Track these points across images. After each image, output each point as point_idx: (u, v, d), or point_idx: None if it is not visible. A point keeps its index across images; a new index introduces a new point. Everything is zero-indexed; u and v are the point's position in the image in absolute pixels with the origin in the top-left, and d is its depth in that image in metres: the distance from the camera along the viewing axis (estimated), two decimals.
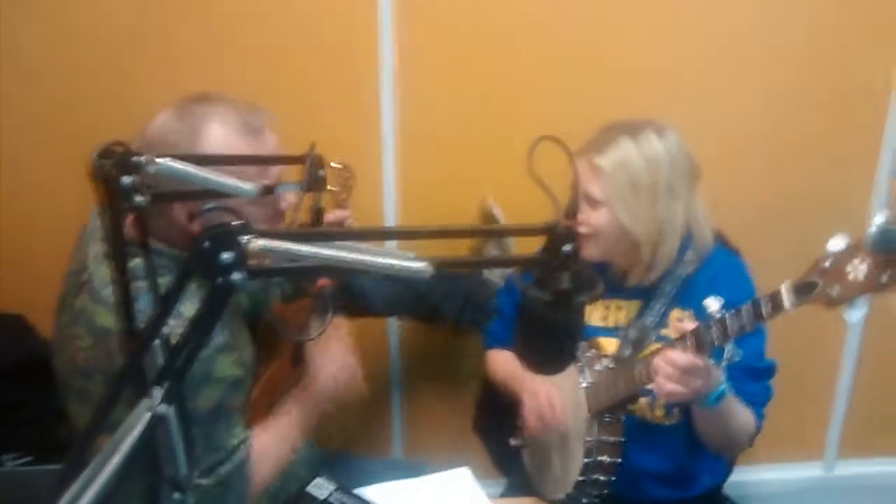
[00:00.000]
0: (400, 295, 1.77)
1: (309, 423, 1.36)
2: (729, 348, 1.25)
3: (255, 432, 1.28)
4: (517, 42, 1.92)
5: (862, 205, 2.11)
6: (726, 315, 1.22)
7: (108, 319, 1.13)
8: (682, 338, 1.29)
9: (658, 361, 1.27)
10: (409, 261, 0.77)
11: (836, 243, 1.07)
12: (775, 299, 1.16)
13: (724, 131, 1.96)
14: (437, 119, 1.95)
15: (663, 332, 1.47)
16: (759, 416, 1.45)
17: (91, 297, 1.15)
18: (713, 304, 1.23)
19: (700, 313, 1.28)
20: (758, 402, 1.44)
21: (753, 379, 1.44)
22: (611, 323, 1.54)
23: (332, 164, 1.35)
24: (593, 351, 1.51)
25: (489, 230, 1.26)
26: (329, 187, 1.32)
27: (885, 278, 1.02)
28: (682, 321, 1.43)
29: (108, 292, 1.14)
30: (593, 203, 1.44)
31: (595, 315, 1.56)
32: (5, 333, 1.89)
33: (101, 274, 1.16)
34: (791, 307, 1.13)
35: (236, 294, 1.44)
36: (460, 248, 1.82)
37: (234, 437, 1.21)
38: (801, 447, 2.31)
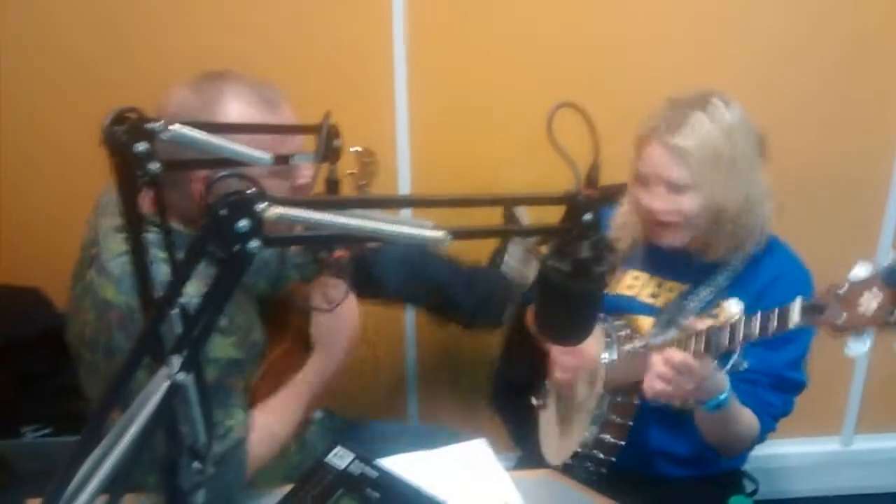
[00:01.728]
0: (416, 282, 1.74)
1: (315, 397, 1.36)
2: (736, 356, 1.21)
3: (257, 408, 1.28)
4: (532, 11, 1.89)
5: (881, 191, 2.09)
6: (739, 321, 1.18)
7: (110, 292, 1.13)
8: (693, 336, 1.26)
9: (655, 357, 1.25)
10: (426, 229, 0.76)
11: (858, 271, 1.03)
12: (783, 316, 1.12)
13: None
14: (451, 91, 1.93)
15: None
16: (768, 427, 1.40)
17: (97, 270, 1.16)
18: (733, 307, 1.20)
19: (749, 309, 1.23)
20: (771, 413, 1.39)
21: (777, 389, 1.39)
22: (660, 303, 1.50)
23: (352, 149, 1.32)
24: (629, 330, 1.48)
25: (507, 198, 1.23)
26: (348, 171, 1.30)
27: (894, 316, 0.97)
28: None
29: (114, 265, 1.14)
30: (677, 188, 1.35)
31: (644, 292, 1.52)
32: (22, 307, 1.90)
33: (109, 248, 1.16)
34: (798, 324, 1.10)
35: (255, 279, 1.45)
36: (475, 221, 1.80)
37: (231, 418, 1.20)
38: (819, 422, 2.31)
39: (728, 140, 1.34)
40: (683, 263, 1.47)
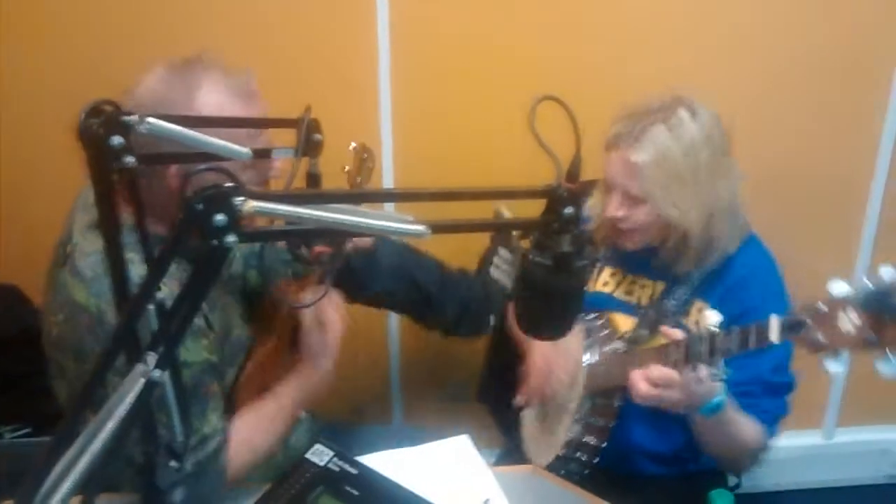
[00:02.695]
0: (401, 285, 1.70)
1: (299, 408, 1.35)
2: (717, 366, 1.20)
3: (239, 415, 1.27)
4: (515, 4, 1.88)
5: (863, 179, 2.08)
6: (718, 333, 1.18)
7: (82, 295, 1.11)
8: (671, 345, 1.25)
9: (634, 374, 1.24)
10: (406, 223, 0.75)
11: (837, 288, 1.03)
12: (761, 332, 1.12)
13: (720, 100, 1.93)
14: (434, 85, 1.92)
15: (683, 320, 1.43)
16: (770, 433, 1.39)
17: (70, 270, 1.13)
18: (712, 317, 1.20)
19: (721, 309, 1.24)
20: (770, 419, 1.39)
21: (770, 394, 1.39)
22: (633, 299, 1.51)
23: (351, 146, 1.32)
24: (609, 329, 1.48)
25: (490, 192, 1.22)
26: (346, 168, 1.30)
27: (871, 337, 0.97)
28: (700, 311, 1.41)
29: (86, 266, 1.12)
30: (633, 200, 1.37)
31: (620, 289, 1.53)
32: (1, 305, 1.87)
33: (83, 246, 1.14)
34: (777, 342, 1.10)
35: (244, 271, 1.43)
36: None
37: (209, 425, 1.19)
38: (801, 416, 2.31)
39: (687, 156, 1.34)
40: (656, 261, 1.47)
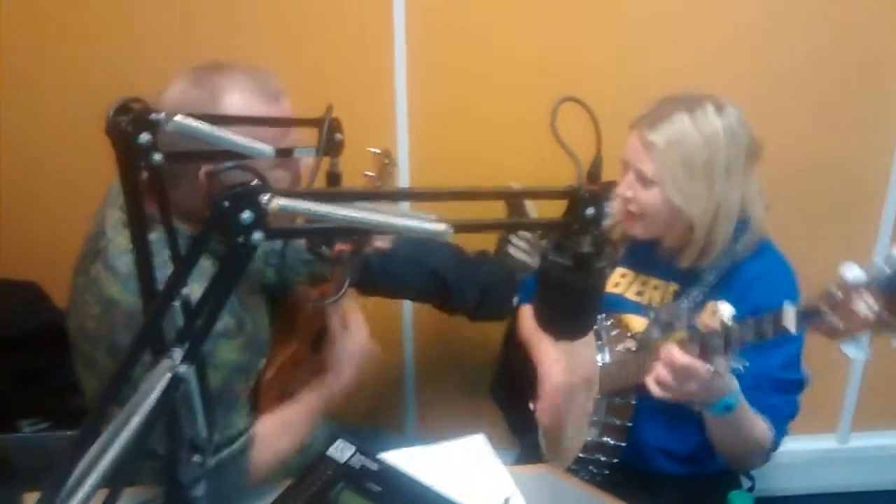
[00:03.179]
0: (420, 276, 1.73)
1: (321, 413, 1.36)
2: (734, 357, 1.20)
3: (262, 418, 1.28)
4: (535, 3, 1.89)
5: (879, 189, 2.08)
6: (734, 324, 1.18)
7: (116, 291, 1.12)
8: (686, 340, 1.25)
9: (663, 352, 1.24)
10: (428, 222, 0.76)
11: (851, 273, 1.02)
12: (778, 320, 1.11)
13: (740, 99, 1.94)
14: (452, 84, 1.93)
15: (695, 322, 1.42)
16: (780, 432, 1.38)
17: (104, 265, 1.14)
18: (725, 309, 1.19)
19: (737, 308, 1.23)
20: (780, 416, 1.38)
21: (779, 391, 1.38)
22: (644, 300, 1.51)
23: (371, 150, 1.33)
24: (619, 329, 1.48)
25: (511, 194, 1.23)
26: (366, 172, 1.30)
27: (889, 319, 0.97)
28: (713, 313, 1.40)
29: (122, 263, 1.13)
30: (644, 181, 1.38)
31: (631, 289, 1.53)
32: (19, 301, 1.90)
33: (117, 243, 1.15)
34: (794, 330, 1.09)
35: (263, 268, 1.44)
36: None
37: (235, 426, 1.20)
38: (816, 420, 2.31)
39: (706, 146, 1.34)
40: (667, 261, 1.47)
